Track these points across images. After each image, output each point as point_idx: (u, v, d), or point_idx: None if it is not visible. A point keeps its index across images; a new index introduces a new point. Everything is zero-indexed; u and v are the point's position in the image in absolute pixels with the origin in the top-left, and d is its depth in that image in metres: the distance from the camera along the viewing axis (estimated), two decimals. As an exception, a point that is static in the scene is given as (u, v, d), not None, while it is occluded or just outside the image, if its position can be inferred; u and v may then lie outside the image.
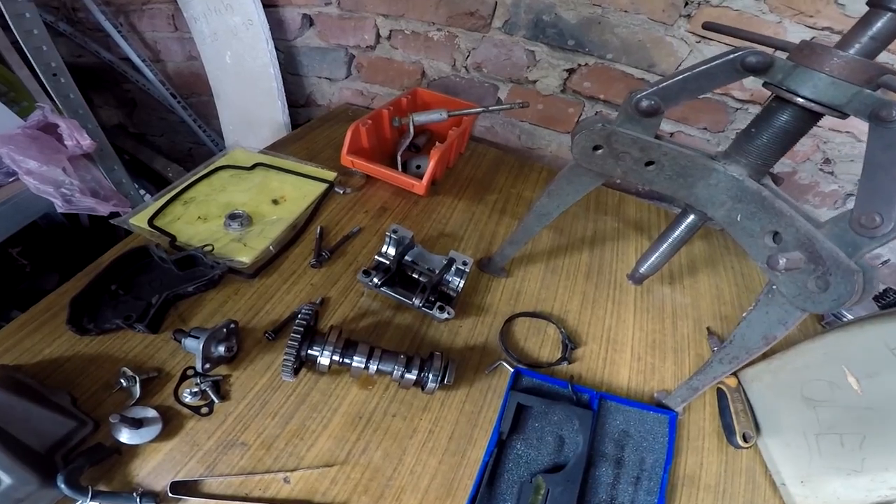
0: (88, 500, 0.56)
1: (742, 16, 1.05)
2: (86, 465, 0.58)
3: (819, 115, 0.56)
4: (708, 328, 0.95)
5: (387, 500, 0.63)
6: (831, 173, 1.21)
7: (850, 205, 1.18)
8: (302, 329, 0.64)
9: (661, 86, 0.61)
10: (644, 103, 0.62)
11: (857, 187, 0.50)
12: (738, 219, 0.64)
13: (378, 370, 0.69)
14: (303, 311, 0.65)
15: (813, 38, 1.01)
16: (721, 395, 0.82)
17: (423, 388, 0.70)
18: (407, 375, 0.69)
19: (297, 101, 1.62)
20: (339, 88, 1.60)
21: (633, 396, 0.81)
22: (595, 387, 0.80)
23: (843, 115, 0.53)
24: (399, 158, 1.12)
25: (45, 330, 0.74)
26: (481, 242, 1.03)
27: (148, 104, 1.88)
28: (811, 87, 0.53)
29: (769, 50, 0.58)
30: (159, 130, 2.02)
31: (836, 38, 0.98)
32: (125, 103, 1.94)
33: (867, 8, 0.50)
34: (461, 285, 0.84)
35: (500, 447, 0.70)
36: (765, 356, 0.71)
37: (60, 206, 1.06)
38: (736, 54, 0.57)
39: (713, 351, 0.90)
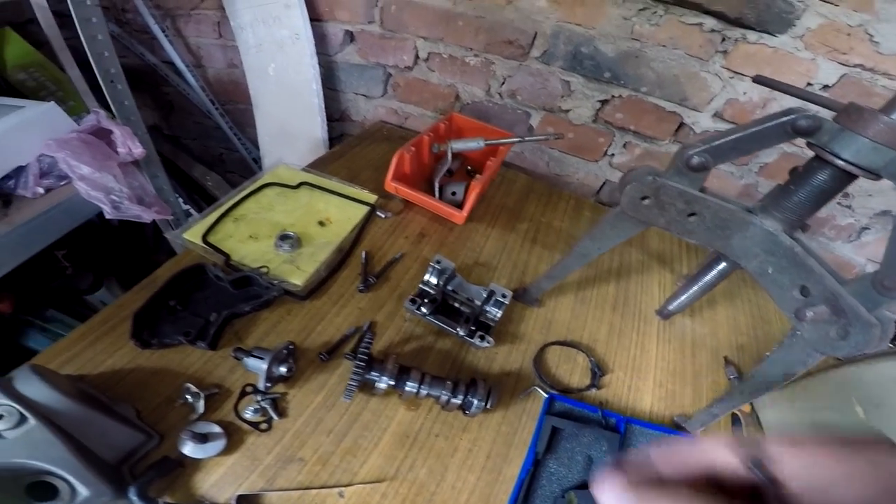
0: (159, 511, 0.60)
1: (777, 53, 1.07)
2: (155, 477, 0.61)
3: (855, 177, 0.59)
4: (725, 357, 0.98)
5: (430, 514, 0.68)
6: (849, 207, 1.23)
7: (865, 238, 1.24)
8: (367, 356, 0.68)
9: (713, 144, 0.64)
10: (695, 160, 0.65)
11: (885, 251, 0.54)
12: (770, 271, 0.68)
13: (428, 394, 0.73)
14: (366, 338, 0.69)
15: (844, 74, 1.05)
16: (735, 419, 0.87)
17: (465, 412, 0.75)
18: (453, 400, 0.73)
19: (332, 115, 1.66)
20: (374, 106, 1.64)
21: (655, 420, 0.85)
22: (621, 411, 0.84)
23: (878, 178, 0.56)
24: (437, 185, 1.16)
25: (105, 341, 0.77)
26: (514, 272, 1.07)
27: (185, 108, 1.92)
28: (853, 150, 0.56)
29: (805, 104, 0.61)
30: (193, 134, 2.06)
31: (868, 74, 1.03)
32: (162, 106, 1.99)
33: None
34: (499, 315, 0.87)
35: (535, 466, 0.75)
36: (780, 383, 0.77)
37: (109, 213, 1.09)
38: (788, 118, 0.60)
39: (729, 379, 0.94)
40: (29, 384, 0.60)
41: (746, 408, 0.88)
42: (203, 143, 2.08)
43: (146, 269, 0.91)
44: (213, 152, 2.10)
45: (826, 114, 0.59)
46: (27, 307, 1.38)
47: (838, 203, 1.24)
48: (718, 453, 0.29)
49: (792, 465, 0.27)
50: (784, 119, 0.61)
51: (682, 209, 0.69)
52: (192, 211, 1.83)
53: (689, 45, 1.13)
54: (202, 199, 1.97)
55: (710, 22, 1.08)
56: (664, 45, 1.15)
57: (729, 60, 1.12)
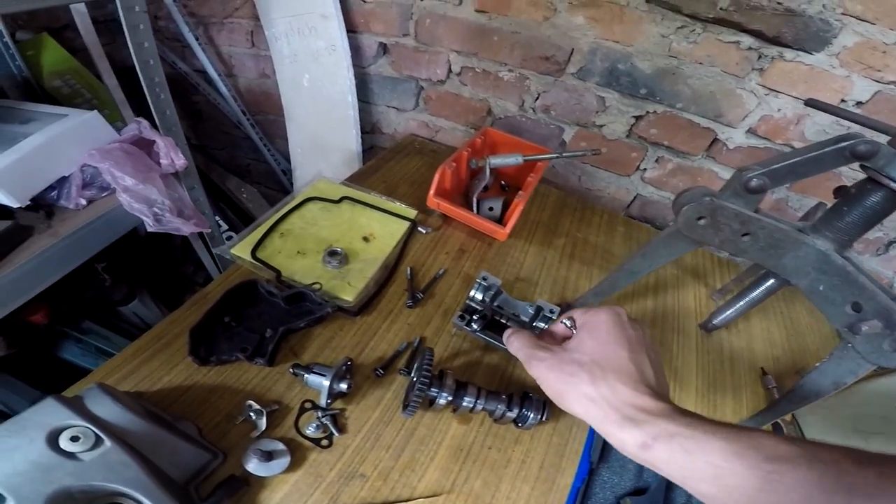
0: (229, 531, 0.60)
1: (813, 70, 1.08)
2: (224, 497, 0.62)
3: (907, 199, 0.60)
4: (762, 368, 1.00)
5: (488, 525, 0.69)
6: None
7: (893, 252, 1.23)
8: (429, 374, 0.69)
9: (771, 167, 0.65)
10: (753, 183, 0.66)
11: None
12: (821, 288, 0.69)
13: (483, 408, 0.74)
14: (426, 357, 0.70)
15: (878, 91, 1.05)
16: (776, 426, 0.88)
17: (518, 425, 0.76)
18: (508, 413, 0.74)
19: (363, 127, 1.66)
20: (405, 119, 1.66)
21: (700, 429, 0.86)
22: (667, 420, 0.85)
23: None
24: (475, 200, 1.17)
25: (160, 358, 0.79)
26: (555, 287, 1.07)
27: (214, 118, 1.94)
28: None
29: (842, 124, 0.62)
30: (221, 144, 2.08)
31: None
32: (192, 115, 2.01)
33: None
34: (546, 331, 0.88)
35: (589, 474, 0.77)
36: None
37: (151, 226, 1.09)
38: (847, 143, 0.61)
39: (768, 389, 0.96)
40: (101, 404, 0.60)
41: (788, 416, 0.89)
42: (231, 153, 2.10)
43: (175, 281, 0.91)
44: (241, 163, 2.12)
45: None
46: (62, 318, 1.38)
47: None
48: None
49: None
50: (843, 144, 0.61)
51: (736, 229, 0.70)
52: (221, 223, 1.84)
53: (725, 63, 1.14)
54: (232, 212, 1.98)
55: (747, 40, 1.09)
56: (701, 63, 1.16)
57: (765, 78, 1.13)
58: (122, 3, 0.97)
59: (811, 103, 0.74)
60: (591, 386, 0.52)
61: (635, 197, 1.49)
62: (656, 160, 1.38)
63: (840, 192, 0.68)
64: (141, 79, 1.10)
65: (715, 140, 1.27)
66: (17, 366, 1.28)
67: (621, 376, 0.53)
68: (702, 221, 0.71)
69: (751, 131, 1.22)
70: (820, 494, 0.38)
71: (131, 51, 1.04)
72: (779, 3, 1.01)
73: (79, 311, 1.43)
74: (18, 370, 1.28)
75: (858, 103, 1.08)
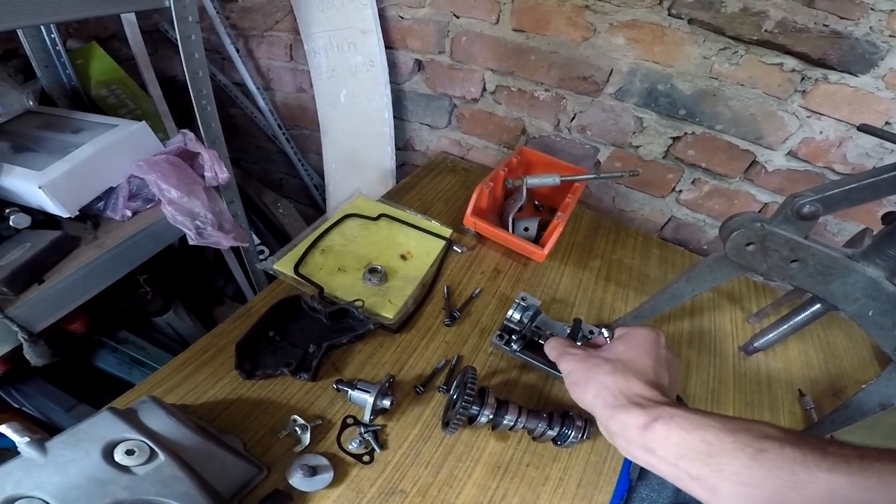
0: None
1: (857, 92, 1.07)
2: (269, 512, 0.63)
3: (961, 226, 0.60)
4: (799, 390, 0.98)
5: (526, 543, 0.68)
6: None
7: None
8: (473, 393, 0.69)
9: (825, 194, 0.65)
10: (806, 209, 0.66)
11: None
12: (871, 314, 0.68)
13: (524, 427, 0.75)
14: (469, 375, 0.71)
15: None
16: None
17: (558, 443, 0.77)
18: (549, 432, 0.75)
19: (397, 144, 1.68)
20: (437, 136, 1.67)
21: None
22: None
23: None
24: (511, 220, 1.17)
25: (206, 371, 0.80)
26: (591, 309, 1.07)
27: (249, 131, 1.97)
28: None
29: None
30: (254, 158, 2.11)
31: None
32: (227, 128, 1.99)
33: None
34: (584, 352, 0.88)
35: (627, 491, 0.76)
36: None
37: (193, 239, 1.10)
38: (904, 170, 0.61)
39: (806, 410, 0.95)
40: (155, 417, 0.62)
41: (827, 436, 0.88)
42: (264, 167, 2.13)
43: (207, 293, 0.92)
44: (273, 177, 2.15)
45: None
46: (99, 328, 1.41)
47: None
48: None
49: None
50: (900, 171, 0.61)
51: (785, 256, 0.69)
52: (254, 237, 1.86)
53: (767, 85, 1.13)
54: (263, 225, 2.00)
55: (791, 62, 1.08)
56: (742, 85, 1.15)
57: (807, 100, 1.12)
58: (178, 13, 0.99)
59: (864, 128, 0.73)
60: (609, 376, 0.57)
61: (669, 219, 1.47)
62: (692, 182, 1.37)
63: (889, 217, 0.68)
64: (190, 90, 1.12)
65: (753, 162, 1.26)
66: (53, 373, 1.30)
67: (639, 376, 0.56)
68: (750, 247, 0.70)
69: (791, 154, 1.21)
70: (803, 469, 0.39)
71: (183, 61, 1.06)
72: (825, 26, 1.01)
73: (116, 321, 1.45)
74: (54, 377, 1.30)
75: (903, 126, 1.07)
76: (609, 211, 1.54)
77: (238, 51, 1.66)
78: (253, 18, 1.65)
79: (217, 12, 1.57)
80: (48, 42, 1.33)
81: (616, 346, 0.63)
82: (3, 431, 0.55)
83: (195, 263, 1.80)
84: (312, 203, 2.05)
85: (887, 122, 1.07)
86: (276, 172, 2.11)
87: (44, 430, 1.21)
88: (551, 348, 0.68)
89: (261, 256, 0.97)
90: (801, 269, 0.70)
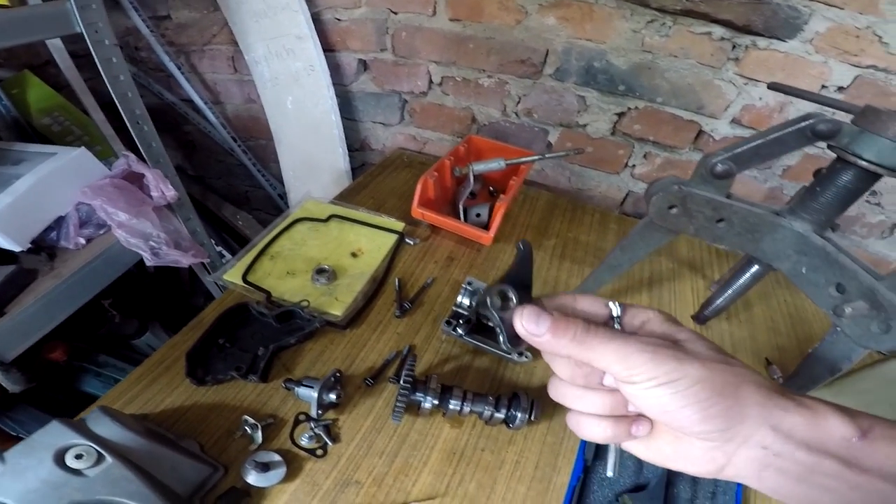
0: (232, 544, 0.62)
1: (788, 57, 1.09)
2: (225, 508, 0.64)
3: (879, 176, 0.61)
4: (766, 359, 0.99)
5: (484, 527, 0.69)
6: (878, 204, 1.24)
7: None
8: (411, 378, 0.71)
9: (735, 151, 0.66)
10: (719, 168, 0.67)
11: None
12: (804, 271, 0.69)
13: (471, 411, 0.75)
14: (408, 362, 0.72)
15: (858, 76, 1.06)
16: None
17: (509, 425, 0.77)
18: (496, 415, 0.75)
19: (353, 145, 1.69)
20: (392, 133, 1.68)
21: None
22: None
23: None
24: (461, 208, 1.18)
25: (162, 381, 0.81)
26: (545, 288, 1.08)
27: (207, 146, 1.96)
28: (875, 151, 0.57)
29: (822, 108, 0.63)
30: (217, 173, 2.11)
31: (882, 75, 1.04)
32: (184, 145, 2.04)
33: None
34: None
35: (585, 472, 0.76)
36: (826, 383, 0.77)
37: (149, 260, 1.10)
38: (807, 122, 0.62)
39: (773, 379, 0.94)
40: (102, 424, 0.64)
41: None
42: (228, 181, 2.12)
43: (186, 313, 0.93)
44: (239, 191, 2.14)
45: (843, 116, 0.61)
46: (80, 354, 1.43)
47: (867, 201, 1.25)
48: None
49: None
50: (803, 124, 0.63)
51: (710, 216, 0.71)
52: (224, 252, 1.86)
53: (700, 54, 1.15)
54: (233, 240, 2.01)
55: (718, 30, 1.10)
56: (675, 56, 1.17)
57: (742, 67, 1.14)
58: (91, 38, 0.98)
59: (773, 86, 0.75)
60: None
61: (627, 194, 1.49)
62: (644, 156, 1.39)
63: (818, 173, 0.69)
64: (122, 112, 1.11)
65: (700, 132, 1.28)
66: (43, 400, 1.32)
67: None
68: (674, 210, 0.72)
69: (735, 121, 1.23)
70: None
71: (107, 85, 1.06)
72: (744, -9, 1.03)
73: (95, 347, 1.47)
74: (44, 404, 1.32)
75: (840, 88, 1.09)
76: (567, 191, 1.56)
77: (180, 67, 1.64)
78: (189, 34, 1.65)
79: (151, 31, 1.56)
80: (-24, 74, 1.31)
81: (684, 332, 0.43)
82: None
83: (170, 284, 1.80)
84: (278, 212, 2.04)
85: (823, 86, 1.10)
86: (239, 185, 2.11)
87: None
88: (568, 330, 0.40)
89: (220, 269, 0.98)
90: (728, 228, 0.72)
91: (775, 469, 0.36)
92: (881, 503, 0.35)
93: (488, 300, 0.43)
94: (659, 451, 0.41)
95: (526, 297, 0.45)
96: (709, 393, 0.36)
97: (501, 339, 0.44)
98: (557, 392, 0.44)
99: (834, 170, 0.65)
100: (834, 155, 0.64)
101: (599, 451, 0.79)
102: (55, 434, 0.61)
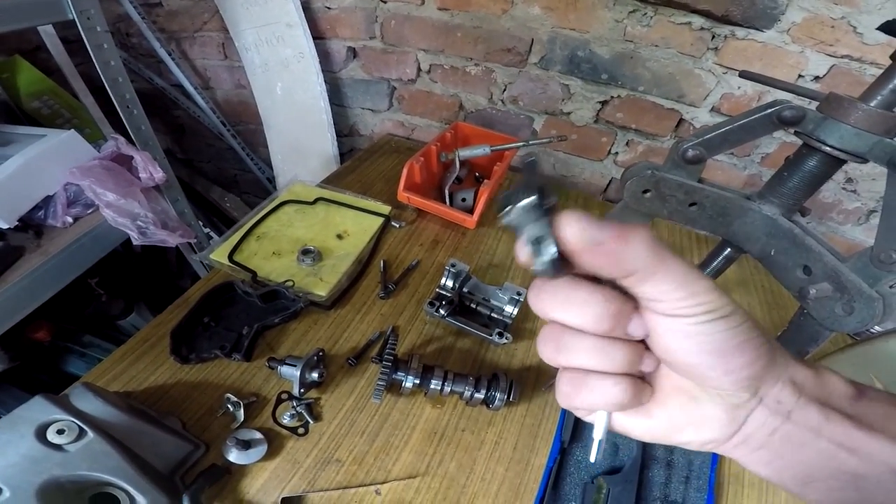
0: (212, 517, 0.64)
1: (766, 47, 1.11)
2: (206, 485, 0.66)
3: (843, 161, 0.62)
4: None
5: (462, 505, 0.71)
6: (854, 191, 1.27)
7: (874, 221, 1.26)
8: (392, 358, 0.73)
9: (705, 137, 0.68)
10: (690, 153, 0.69)
11: (878, 227, 0.57)
12: (772, 253, 0.71)
13: (451, 391, 0.77)
14: (390, 341, 0.74)
15: (833, 65, 1.08)
16: None
17: (489, 406, 0.79)
18: (476, 395, 0.77)
19: (342, 130, 1.71)
20: (381, 120, 1.69)
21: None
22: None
23: (864, 161, 0.59)
24: (447, 192, 1.20)
25: (146, 359, 0.83)
26: (527, 271, 1.09)
27: (196, 131, 1.97)
28: (837, 137, 0.59)
29: (796, 97, 0.65)
30: (206, 157, 2.11)
31: (856, 64, 1.06)
32: (174, 129, 2.04)
33: (884, 36, 0.56)
34: (515, 313, 0.91)
35: (561, 454, 0.78)
36: (798, 366, 0.78)
37: (136, 239, 1.12)
38: (773, 109, 0.64)
39: None
40: (85, 400, 0.65)
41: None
42: (217, 165, 2.13)
43: (172, 294, 0.95)
44: (228, 174, 2.15)
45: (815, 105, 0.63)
46: (64, 334, 1.43)
47: (843, 188, 1.28)
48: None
49: None
50: (769, 111, 0.64)
51: (682, 200, 0.73)
52: (212, 234, 1.87)
53: (680, 44, 1.17)
54: (221, 222, 2.02)
55: (698, 20, 1.12)
56: (657, 45, 1.19)
57: (721, 57, 1.16)
58: (83, 24, 1.00)
59: (744, 74, 0.77)
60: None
61: (610, 181, 1.52)
62: (626, 143, 1.41)
63: (786, 160, 0.71)
64: (111, 96, 1.12)
65: (681, 120, 1.30)
66: (26, 380, 1.33)
67: None
68: (647, 195, 0.74)
69: (715, 110, 1.25)
70: None
71: (98, 70, 1.07)
72: (722, -17, 1.04)
73: (80, 327, 1.48)
74: (27, 384, 1.33)
75: (816, 78, 1.12)
76: (551, 178, 1.58)
77: (171, 53, 1.65)
78: (181, 21, 1.65)
79: (142, 17, 1.57)
80: (-32, 59, 1.31)
81: None
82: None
83: (157, 266, 1.81)
84: (267, 195, 2.05)
85: (800, 75, 1.12)
86: (229, 169, 2.12)
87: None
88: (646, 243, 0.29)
89: (207, 248, 1.00)
90: (700, 211, 0.74)
91: (781, 436, 0.33)
92: (882, 465, 0.32)
93: (525, 201, 0.30)
94: (666, 420, 0.35)
95: None
96: (758, 331, 0.31)
97: (548, 255, 0.30)
98: (565, 345, 0.34)
99: (800, 155, 0.67)
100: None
101: (577, 433, 0.81)
102: (38, 409, 0.62)
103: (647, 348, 0.34)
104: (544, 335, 0.35)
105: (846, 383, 0.34)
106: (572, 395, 0.35)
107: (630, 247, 0.29)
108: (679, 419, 0.35)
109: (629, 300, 0.32)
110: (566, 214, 0.30)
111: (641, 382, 0.35)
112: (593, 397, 0.34)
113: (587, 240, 0.30)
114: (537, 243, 0.31)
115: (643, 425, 0.36)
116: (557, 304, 0.33)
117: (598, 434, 0.36)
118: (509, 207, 0.31)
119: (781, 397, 0.33)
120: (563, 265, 0.31)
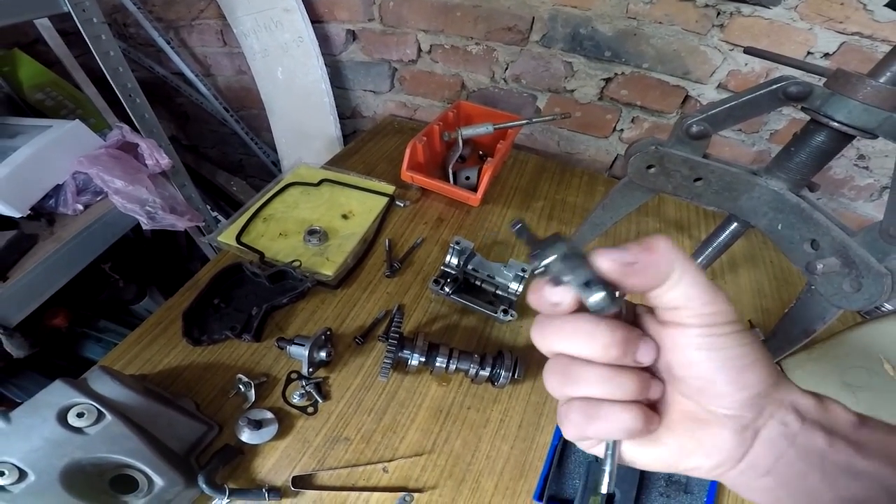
0: (226, 498, 0.65)
1: (773, 24, 1.10)
2: (220, 465, 0.67)
3: (852, 137, 0.62)
4: (749, 321, 1.00)
5: (468, 482, 0.72)
6: (866, 168, 1.26)
7: (885, 197, 1.24)
8: (398, 336, 0.73)
9: (709, 112, 0.68)
10: (694, 129, 0.69)
11: (887, 201, 0.56)
12: (780, 228, 0.71)
13: (457, 368, 0.78)
14: (395, 320, 0.75)
15: (843, 42, 1.07)
16: None
17: (494, 384, 0.80)
18: (481, 372, 0.78)
19: (344, 113, 1.71)
20: (383, 101, 1.69)
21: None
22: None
23: (874, 137, 0.59)
24: (451, 171, 1.20)
25: (160, 342, 0.84)
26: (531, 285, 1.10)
27: (200, 117, 1.98)
28: (846, 112, 0.59)
29: (803, 73, 0.64)
30: (211, 142, 2.12)
31: (868, 41, 1.05)
32: (178, 116, 2.05)
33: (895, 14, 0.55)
34: (520, 290, 0.92)
35: None
36: (805, 346, 0.77)
37: (146, 224, 1.14)
38: (778, 84, 0.63)
39: None
40: (102, 384, 0.66)
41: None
42: (222, 150, 2.14)
43: (183, 278, 0.96)
44: (233, 159, 2.16)
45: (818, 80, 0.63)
46: (81, 320, 1.46)
47: (855, 165, 1.27)
48: None
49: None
50: (775, 87, 0.64)
51: (687, 175, 0.73)
52: (220, 217, 1.88)
53: (685, 21, 1.16)
54: (228, 205, 2.04)
55: (702, -3, 1.11)
56: (660, 22, 1.18)
57: (727, 33, 1.15)
58: (79, 16, 1.00)
59: (749, 50, 0.77)
60: None
61: (616, 157, 1.51)
62: (632, 120, 1.40)
63: (795, 135, 0.71)
64: (113, 86, 1.14)
65: (687, 97, 1.29)
66: (46, 366, 1.36)
67: None
68: (652, 170, 0.74)
69: (721, 86, 1.24)
70: None
71: (98, 60, 1.08)
72: (726, -43, 1.03)
73: (95, 313, 1.51)
74: (47, 370, 1.36)
75: (826, 55, 1.10)
76: (556, 155, 1.58)
77: (170, 42, 1.65)
78: (177, 10, 1.65)
79: (139, 7, 1.57)
80: (-33, 54, 1.32)
81: None
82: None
83: (168, 251, 1.83)
84: (272, 178, 2.06)
85: (809, 52, 1.10)
86: (233, 154, 2.13)
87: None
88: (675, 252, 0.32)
89: (215, 231, 1.02)
90: (705, 186, 0.74)
91: (786, 461, 0.33)
92: (882, 491, 0.32)
93: (552, 257, 0.32)
94: (675, 446, 0.35)
95: None
96: (764, 351, 0.33)
97: (602, 291, 0.31)
98: (573, 376, 0.35)
99: (808, 131, 0.67)
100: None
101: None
102: (58, 393, 0.63)
103: (654, 376, 0.35)
104: (550, 368, 0.36)
105: (848, 411, 0.34)
106: (583, 425, 0.35)
107: (658, 254, 0.31)
108: (688, 444, 0.35)
109: (634, 328, 0.33)
110: (595, 253, 0.32)
111: (650, 410, 0.35)
112: (606, 426, 0.34)
113: (623, 262, 0.31)
114: (587, 286, 0.32)
115: (651, 454, 0.36)
116: (565, 336, 0.34)
117: (608, 465, 0.36)
118: (544, 267, 0.33)
119: (787, 420, 0.33)
120: (616, 296, 0.32)
